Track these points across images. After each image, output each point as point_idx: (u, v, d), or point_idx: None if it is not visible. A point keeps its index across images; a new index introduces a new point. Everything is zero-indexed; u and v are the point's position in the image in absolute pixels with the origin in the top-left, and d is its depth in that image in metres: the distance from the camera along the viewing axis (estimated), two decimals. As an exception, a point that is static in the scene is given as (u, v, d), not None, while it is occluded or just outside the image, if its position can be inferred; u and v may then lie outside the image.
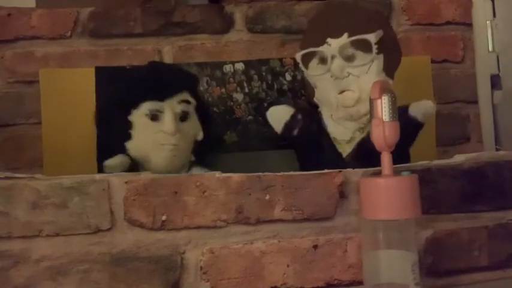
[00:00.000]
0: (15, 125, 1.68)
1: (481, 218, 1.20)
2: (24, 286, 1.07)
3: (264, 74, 1.73)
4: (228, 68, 1.72)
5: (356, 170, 1.16)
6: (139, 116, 1.44)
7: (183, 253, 1.11)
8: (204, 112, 1.56)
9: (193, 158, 1.50)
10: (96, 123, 1.52)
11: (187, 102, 1.49)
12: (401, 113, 1.32)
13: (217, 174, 1.13)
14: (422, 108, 1.39)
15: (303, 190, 1.14)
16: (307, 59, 1.46)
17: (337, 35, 1.41)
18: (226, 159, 1.67)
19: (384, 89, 1.03)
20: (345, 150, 1.42)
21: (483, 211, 1.20)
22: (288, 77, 1.73)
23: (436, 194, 1.18)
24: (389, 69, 1.43)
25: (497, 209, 1.21)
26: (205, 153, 1.55)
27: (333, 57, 1.39)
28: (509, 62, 1.83)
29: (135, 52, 1.72)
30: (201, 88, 1.70)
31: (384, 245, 1.04)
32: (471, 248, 1.19)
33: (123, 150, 1.45)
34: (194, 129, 1.50)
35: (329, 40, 1.41)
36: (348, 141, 1.42)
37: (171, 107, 1.44)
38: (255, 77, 1.73)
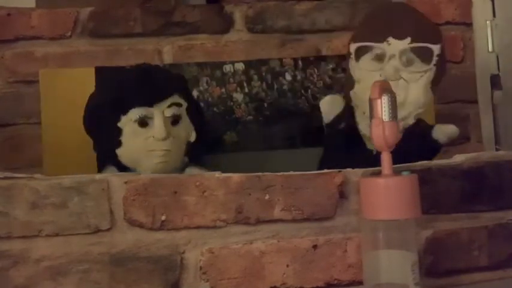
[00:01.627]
0: (15, 124, 1.69)
1: (481, 218, 1.20)
2: (24, 286, 1.06)
3: (263, 74, 1.73)
4: (228, 68, 1.73)
5: (356, 170, 1.16)
6: (128, 122, 1.40)
7: (183, 253, 1.11)
8: (196, 112, 1.50)
9: (186, 160, 1.46)
10: (85, 129, 1.48)
11: (179, 105, 1.44)
12: (424, 134, 1.38)
13: (217, 174, 1.13)
14: (446, 131, 1.41)
15: (303, 190, 1.14)
16: (360, 51, 1.44)
17: (400, 36, 1.39)
18: (226, 159, 1.67)
19: (383, 89, 1.03)
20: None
21: (483, 211, 1.20)
22: (288, 77, 1.74)
23: (436, 194, 1.17)
24: (435, 83, 1.42)
25: (497, 209, 1.21)
26: (200, 154, 1.51)
27: (391, 57, 1.38)
28: (509, 62, 1.83)
29: (135, 52, 1.73)
30: (201, 88, 1.71)
31: (384, 245, 1.04)
32: (471, 248, 1.19)
33: (114, 157, 1.42)
34: (186, 132, 1.45)
35: (390, 40, 1.39)
36: None
37: (161, 112, 1.40)
38: (255, 77, 1.73)
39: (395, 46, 1.39)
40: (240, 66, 1.73)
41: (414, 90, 1.38)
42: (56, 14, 1.71)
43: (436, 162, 1.20)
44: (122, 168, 1.41)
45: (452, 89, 1.80)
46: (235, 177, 1.13)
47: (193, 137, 1.46)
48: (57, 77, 1.68)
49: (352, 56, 1.45)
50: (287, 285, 1.13)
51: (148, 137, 1.39)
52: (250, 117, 1.71)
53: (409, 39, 1.38)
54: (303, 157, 1.68)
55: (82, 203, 1.08)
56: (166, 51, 1.74)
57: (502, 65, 1.85)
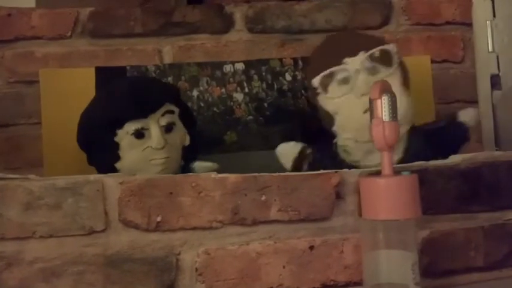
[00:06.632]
0: (16, 125, 1.69)
1: (478, 219, 1.20)
2: (17, 288, 1.07)
3: (264, 74, 1.73)
4: (228, 67, 1.73)
5: (352, 170, 1.16)
6: (124, 136, 1.41)
7: (179, 254, 1.11)
8: (188, 116, 1.52)
9: (183, 163, 1.47)
10: (80, 146, 1.48)
11: (172, 112, 1.45)
12: (450, 121, 1.45)
13: (213, 174, 1.13)
14: (470, 113, 1.47)
15: (299, 191, 1.14)
16: (325, 83, 1.41)
17: (353, 54, 1.38)
18: (226, 159, 1.66)
19: (383, 90, 1.03)
20: None
21: (479, 211, 1.20)
22: (288, 77, 1.73)
23: (433, 194, 1.17)
24: (406, 84, 1.41)
25: (493, 209, 1.21)
26: (195, 155, 1.51)
27: (357, 72, 1.36)
28: (509, 62, 1.82)
29: (135, 52, 1.73)
30: (201, 88, 1.71)
31: (384, 245, 1.05)
32: (467, 248, 1.19)
33: (113, 171, 1.36)
34: (181, 136, 1.47)
35: (347, 60, 1.38)
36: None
37: (156, 122, 1.41)
38: (255, 77, 1.73)
39: (355, 62, 1.37)
40: (240, 66, 1.73)
41: None
42: (56, 14, 1.71)
43: (433, 162, 1.19)
44: None
45: (452, 89, 1.81)
46: (232, 177, 1.13)
47: (187, 141, 1.48)
48: (58, 77, 1.68)
49: (319, 89, 1.42)
50: (283, 287, 1.13)
51: (145, 147, 1.41)
52: (251, 117, 1.71)
53: (362, 52, 1.38)
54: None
55: (76, 204, 1.08)
56: (167, 51, 1.74)
57: (502, 65, 1.84)
